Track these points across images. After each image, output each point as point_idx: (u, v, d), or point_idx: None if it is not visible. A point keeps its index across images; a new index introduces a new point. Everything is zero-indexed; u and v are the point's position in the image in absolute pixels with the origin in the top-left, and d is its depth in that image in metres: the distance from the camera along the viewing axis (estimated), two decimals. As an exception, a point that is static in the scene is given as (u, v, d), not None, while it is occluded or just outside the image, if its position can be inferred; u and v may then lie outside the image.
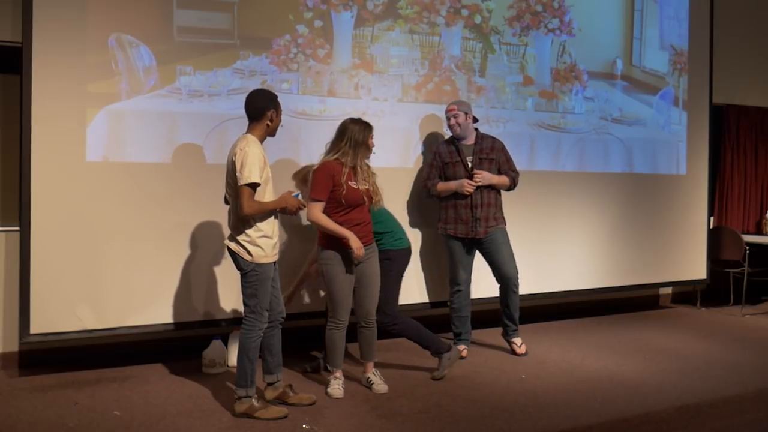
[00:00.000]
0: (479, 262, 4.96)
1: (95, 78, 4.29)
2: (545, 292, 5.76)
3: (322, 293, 4.84)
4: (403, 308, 5.25)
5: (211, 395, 4.01)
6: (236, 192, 3.54)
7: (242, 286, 3.68)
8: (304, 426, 3.56)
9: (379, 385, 4.12)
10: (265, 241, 3.61)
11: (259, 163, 3.51)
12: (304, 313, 4.87)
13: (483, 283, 5.17)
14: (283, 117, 3.81)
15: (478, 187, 4.77)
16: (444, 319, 5.16)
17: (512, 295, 4.93)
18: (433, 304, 5.40)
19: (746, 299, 6.82)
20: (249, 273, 3.62)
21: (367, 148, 3.99)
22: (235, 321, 4.66)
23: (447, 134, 5.14)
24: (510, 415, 3.78)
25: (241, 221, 3.59)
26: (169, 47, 4.48)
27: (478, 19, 5.53)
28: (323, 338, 4.17)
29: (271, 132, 3.73)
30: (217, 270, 4.63)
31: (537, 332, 5.58)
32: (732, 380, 4.50)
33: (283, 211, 3.70)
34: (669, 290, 7.19)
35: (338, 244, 3.92)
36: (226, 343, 4.56)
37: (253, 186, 3.51)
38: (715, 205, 7.36)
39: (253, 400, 3.65)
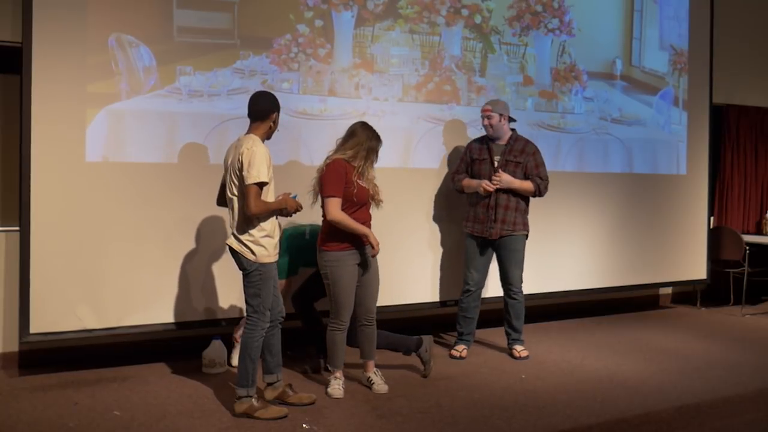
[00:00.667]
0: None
1: (95, 78, 4.29)
2: (545, 292, 5.76)
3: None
4: (409, 307, 5.28)
5: (211, 395, 4.01)
6: (242, 191, 3.54)
7: (245, 285, 3.67)
8: (304, 426, 3.56)
9: (380, 385, 4.12)
10: (267, 241, 3.61)
11: (266, 162, 3.52)
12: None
13: (487, 283, 5.17)
14: (283, 117, 3.82)
15: (499, 189, 4.75)
16: (450, 319, 5.18)
17: (511, 302, 4.91)
18: (442, 303, 5.42)
19: (746, 299, 6.82)
20: (252, 273, 3.62)
21: (377, 157, 4.07)
22: (236, 321, 4.66)
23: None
24: (510, 415, 3.78)
25: (246, 221, 3.59)
26: (169, 47, 4.48)
27: (478, 19, 5.54)
28: (321, 338, 4.18)
29: (270, 135, 3.75)
30: (217, 270, 4.63)
31: (537, 332, 5.58)
32: (732, 380, 4.50)
33: (281, 213, 3.70)
34: (669, 290, 7.19)
35: (341, 245, 3.92)
36: (226, 343, 4.56)
37: (261, 185, 3.51)
38: (715, 205, 7.36)
39: (253, 400, 3.65)
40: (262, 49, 4.74)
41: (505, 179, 4.74)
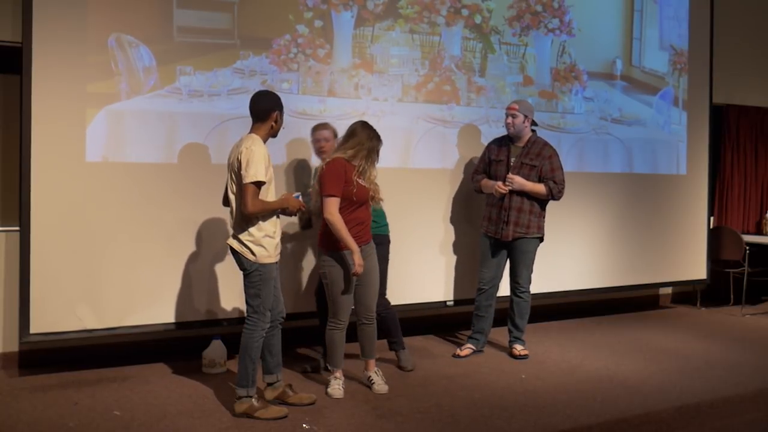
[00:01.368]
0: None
1: (95, 78, 4.29)
2: (545, 292, 5.76)
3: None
4: (408, 307, 5.28)
5: (211, 395, 4.01)
6: (241, 190, 3.55)
7: (245, 285, 3.67)
8: (304, 426, 3.56)
9: (380, 385, 4.12)
10: (268, 241, 3.61)
11: (264, 162, 3.52)
12: (305, 313, 4.87)
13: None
14: (283, 117, 3.80)
15: (512, 192, 4.75)
16: (451, 319, 5.19)
17: (517, 300, 4.92)
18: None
19: (746, 299, 6.82)
20: (252, 273, 3.62)
21: (377, 157, 4.06)
22: (236, 321, 4.66)
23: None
24: (510, 415, 3.79)
25: (245, 220, 3.59)
26: (169, 47, 4.48)
27: (478, 19, 5.54)
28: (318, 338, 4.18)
29: (274, 133, 3.74)
30: (218, 269, 4.63)
31: (537, 332, 5.58)
32: (732, 380, 4.50)
33: (284, 212, 3.70)
34: (669, 290, 7.19)
35: (340, 245, 3.92)
36: (226, 343, 4.55)
37: (258, 184, 3.51)
38: (715, 205, 7.36)
39: (253, 400, 3.65)
40: (262, 49, 4.74)
41: (517, 182, 4.74)
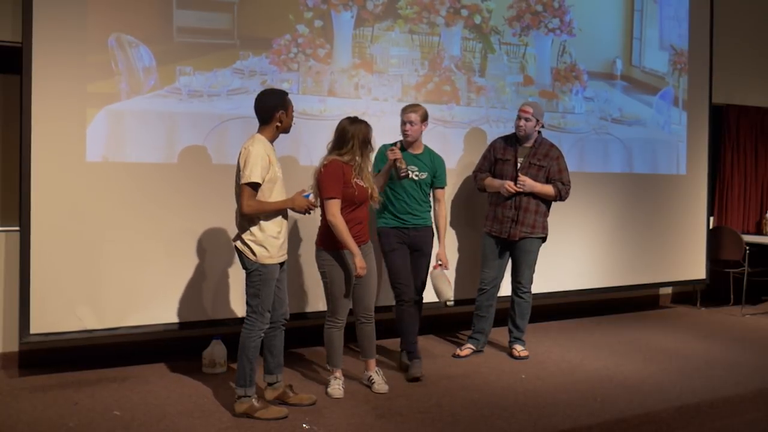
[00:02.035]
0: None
1: (95, 78, 4.29)
2: (545, 292, 5.76)
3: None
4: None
5: (211, 395, 4.01)
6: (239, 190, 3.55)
7: (246, 285, 3.67)
8: (304, 426, 3.56)
9: (380, 384, 4.12)
10: (270, 242, 3.60)
11: (261, 162, 3.51)
12: (305, 313, 4.87)
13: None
14: (291, 113, 3.74)
15: (521, 192, 4.75)
16: (452, 319, 5.19)
17: (518, 300, 4.93)
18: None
19: (746, 299, 6.82)
20: (252, 273, 3.62)
21: (370, 149, 4.01)
22: (236, 321, 4.66)
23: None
24: (510, 415, 3.79)
25: (246, 220, 3.60)
26: (169, 47, 4.48)
27: (477, 19, 5.54)
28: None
29: (284, 131, 3.72)
30: (218, 269, 4.64)
31: (537, 332, 5.58)
32: (732, 380, 4.50)
33: (293, 210, 3.69)
34: (669, 290, 7.19)
35: (339, 244, 3.91)
36: (226, 343, 4.55)
37: (253, 185, 3.51)
38: (715, 205, 7.36)
39: (253, 400, 3.65)
40: (262, 50, 4.74)
41: (529, 183, 4.74)
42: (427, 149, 4.61)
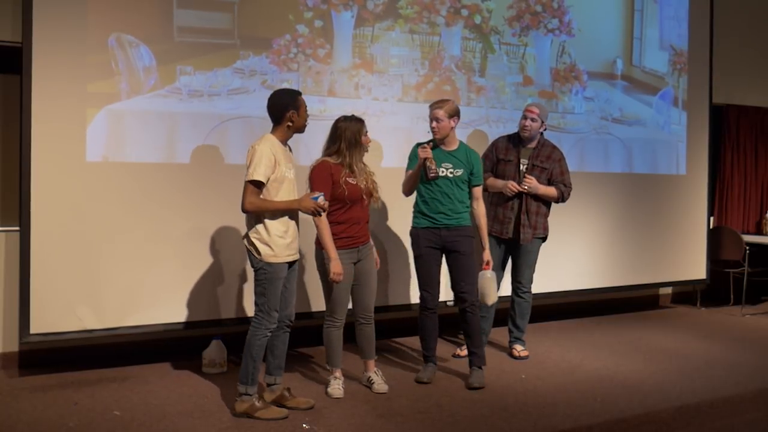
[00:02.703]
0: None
1: (95, 78, 4.29)
2: (545, 292, 5.76)
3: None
4: (408, 307, 5.28)
5: (211, 395, 4.01)
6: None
7: (254, 283, 3.68)
8: (304, 426, 3.56)
9: (380, 384, 4.12)
10: (276, 241, 3.59)
11: (266, 161, 3.52)
12: (310, 313, 4.87)
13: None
14: (303, 112, 3.72)
15: (526, 194, 4.75)
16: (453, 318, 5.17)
17: (518, 300, 4.93)
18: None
19: (746, 299, 6.81)
20: (258, 271, 3.63)
21: (362, 146, 3.98)
22: (236, 321, 4.66)
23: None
24: (510, 415, 3.78)
25: (253, 219, 3.62)
26: (169, 47, 4.48)
27: (478, 19, 5.54)
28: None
29: (297, 130, 3.72)
30: (218, 269, 4.63)
31: (537, 332, 5.58)
32: (732, 380, 4.50)
33: (300, 211, 3.68)
34: (669, 290, 7.19)
35: (338, 243, 3.91)
36: (226, 343, 4.55)
37: (256, 183, 3.52)
38: (715, 205, 7.36)
39: (254, 399, 3.65)
40: (262, 49, 4.74)
41: (533, 185, 4.74)
42: (462, 145, 4.37)
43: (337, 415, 3.72)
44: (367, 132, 4.00)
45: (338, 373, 4.08)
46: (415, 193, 4.37)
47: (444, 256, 4.34)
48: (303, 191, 3.86)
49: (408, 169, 4.33)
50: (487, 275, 4.34)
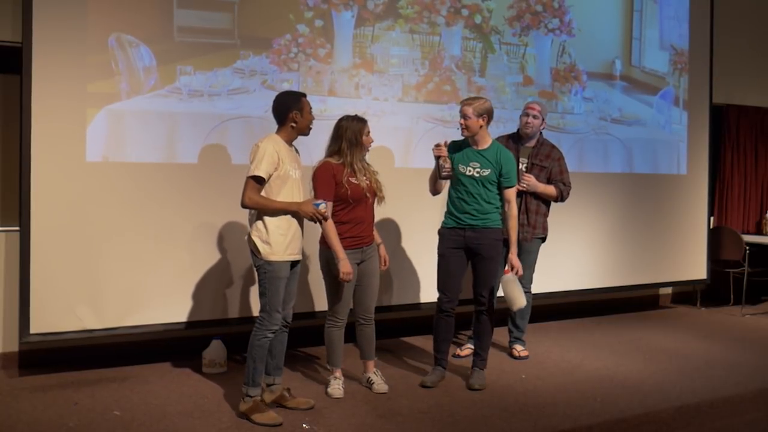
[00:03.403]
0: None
1: (95, 78, 4.28)
2: (545, 292, 5.76)
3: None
4: (409, 307, 5.28)
5: (211, 395, 4.00)
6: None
7: (257, 283, 3.68)
8: (304, 426, 3.56)
9: (380, 384, 4.12)
10: (276, 239, 3.58)
11: (268, 158, 3.52)
12: (313, 313, 4.87)
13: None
14: (306, 113, 3.71)
15: (527, 193, 4.74)
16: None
17: None
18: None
19: (746, 299, 6.81)
20: (259, 269, 3.63)
21: (363, 145, 3.97)
22: (237, 321, 4.66)
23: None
24: (510, 415, 3.78)
25: (254, 217, 3.62)
26: (169, 47, 4.48)
27: (478, 19, 5.54)
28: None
29: (301, 132, 3.71)
30: (218, 269, 4.63)
31: (537, 332, 5.58)
32: (732, 380, 4.50)
33: (300, 215, 3.66)
34: (669, 290, 7.19)
35: (342, 243, 3.91)
36: (226, 344, 4.55)
37: (257, 179, 3.52)
38: (715, 205, 7.36)
39: (255, 401, 3.62)
40: (262, 49, 4.74)
41: (533, 183, 4.75)
42: (494, 145, 4.26)
43: (337, 415, 3.72)
44: (369, 132, 4.00)
45: (338, 373, 4.08)
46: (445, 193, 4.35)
47: (469, 258, 4.25)
48: (307, 192, 3.86)
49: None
50: (508, 279, 4.16)
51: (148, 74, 4.43)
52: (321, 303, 4.82)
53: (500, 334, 5.20)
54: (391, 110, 5.16)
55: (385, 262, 4.18)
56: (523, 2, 5.72)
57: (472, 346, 4.93)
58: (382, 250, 4.19)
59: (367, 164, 4.03)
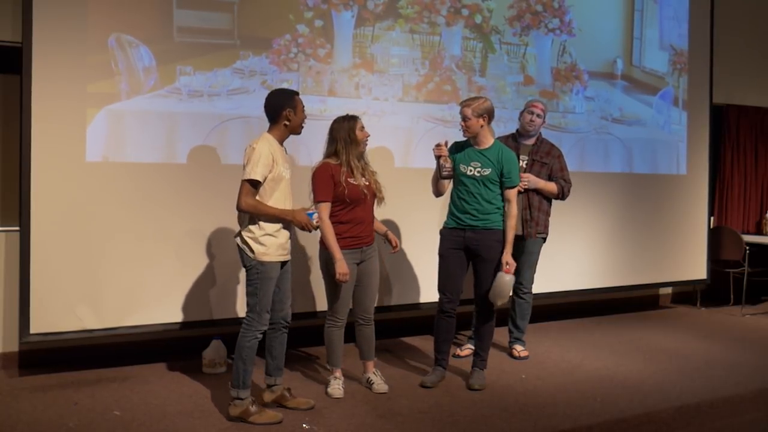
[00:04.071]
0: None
1: (95, 78, 4.28)
2: (546, 292, 5.76)
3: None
4: (409, 307, 5.28)
5: (211, 395, 4.00)
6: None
7: (246, 283, 3.66)
8: (303, 426, 3.56)
9: (380, 384, 4.12)
10: (269, 240, 3.58)
11: (264, 161, 3.51)
12: (314, 312, 4.86)
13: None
14: (299, 112, 3.70)
15: (528, 190, 4.74)
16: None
17: (519, 301, 4.93)
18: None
19: (746, 299, 6.82)
20: (251, 270, 3.60)
21: (358, 143, 3.96)
22: (236, 321, 4.66)
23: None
24: (510, 415, 3.79)
25: (246, 217, 3.60)
26: (169, 47, 4.48)
27: (478, 19, 5.53)
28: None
29: (293, 130, 3.70)
30: (218, 269, 4.63)
31: (537, 332, 5.58)
32: (732, 380, 4.50)
33: (291, 223, 3.65)
34: (669, 290, 7.19)
35: (341, 243, 3.91)
36: (225, 344, 4.55)
37: (253, 183, 3.51)
38: (715, 205, 7.36)
39: (247, 403, 3.60)
40: (262, 49, 4.74)
41: (532, 180, 4.75)
42: (496, 145, 4.25)
43: (337, 415, 3.72)
44: (363, 127, 3.99)
45: (338, 373, 4.08)
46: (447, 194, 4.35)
47: (470, 258, 4.23)
48: (303, 193, 3.86)
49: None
50: (505, 278, 4.11)
51: (147, 74, 4.43)
52: (321, 303, 4.82)
53: (500, 335, 5.19)
54: (391, 110, 5.16)
55: (395, 244, 4.16)
56: (523, 2, 5.72)
57: (472, 346, 4.94)
58: (391, 235, 4.17)
59: (367, 164, 4.03)
